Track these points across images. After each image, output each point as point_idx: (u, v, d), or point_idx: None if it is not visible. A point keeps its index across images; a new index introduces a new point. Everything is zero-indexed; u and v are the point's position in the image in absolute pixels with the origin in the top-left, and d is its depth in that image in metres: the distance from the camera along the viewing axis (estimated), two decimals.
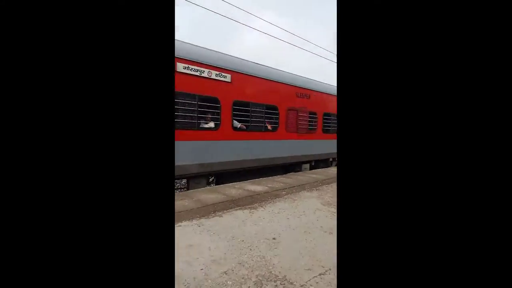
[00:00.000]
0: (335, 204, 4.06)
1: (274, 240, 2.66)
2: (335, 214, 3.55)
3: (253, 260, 2.25)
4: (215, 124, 5.42)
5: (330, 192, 4.90)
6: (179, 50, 4.70)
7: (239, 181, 5.77)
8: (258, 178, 6.27)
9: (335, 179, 6.25)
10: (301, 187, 5.32)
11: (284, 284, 1.91)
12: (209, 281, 1.92)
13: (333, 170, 7.93)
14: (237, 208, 3.75)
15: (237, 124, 5.93)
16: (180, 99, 4.80)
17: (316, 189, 5.13)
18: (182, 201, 4.03)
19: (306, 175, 6.81)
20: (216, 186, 5.49)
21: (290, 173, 7.24)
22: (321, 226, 3.09)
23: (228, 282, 1.91)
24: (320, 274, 2.05)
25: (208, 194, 4.50)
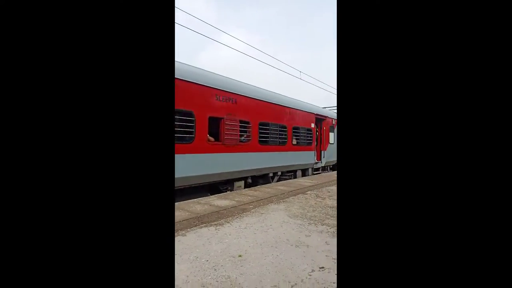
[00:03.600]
0: (301, 216, 4.12)
1: (240, 258, 2.58)
2: (301, 226, 3.59)
3: (217, 281, 2.14)
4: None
5: (297, 204, 4.97)
6: None
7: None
8: None
9: (302, 190, 6.39)
10: (269, 200, 5.32)
11: None
12: None
13: (299, 182, 8.11)
14: (202, 225, 3.59)
15: None
16: None
17: (283, 201, 5.17)
18: None
19: (274, 188, 6.86)
20: (179, 202, 5.22)
21: (258, 186, 7.22)
22: (287, 239, 3.09)
23: None
24: None
25: None
